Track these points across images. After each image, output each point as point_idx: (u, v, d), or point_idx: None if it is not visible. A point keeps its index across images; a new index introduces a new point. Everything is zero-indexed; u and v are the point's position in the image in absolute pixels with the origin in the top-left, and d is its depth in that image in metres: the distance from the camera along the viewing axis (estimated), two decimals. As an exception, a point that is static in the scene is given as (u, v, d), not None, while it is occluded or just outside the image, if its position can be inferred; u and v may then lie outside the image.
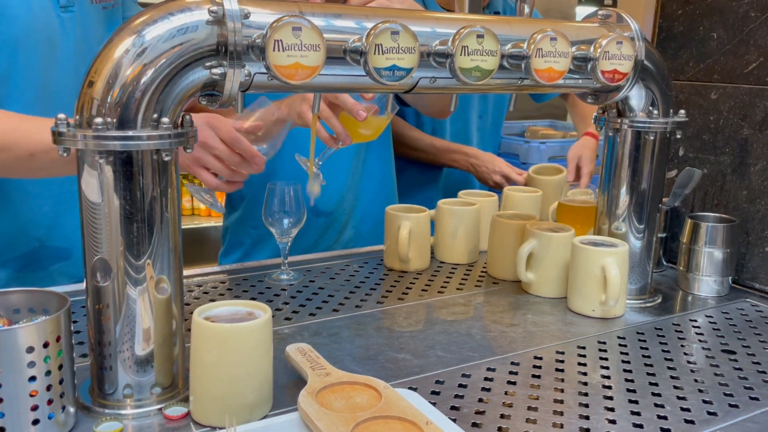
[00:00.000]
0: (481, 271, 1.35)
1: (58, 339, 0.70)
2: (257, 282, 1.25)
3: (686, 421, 0.80)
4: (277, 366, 0.87)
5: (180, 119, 0.78)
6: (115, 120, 0.72)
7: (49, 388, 0.69)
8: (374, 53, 0.82)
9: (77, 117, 0.74)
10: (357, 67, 0.84)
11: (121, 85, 0.72)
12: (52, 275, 1.25)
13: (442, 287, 1.25)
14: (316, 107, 1.06)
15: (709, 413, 0.83)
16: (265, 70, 0.78)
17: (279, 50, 0.76)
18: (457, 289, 1.25)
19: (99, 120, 0.71)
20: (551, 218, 1.46)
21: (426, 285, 1.26)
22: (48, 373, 0.69)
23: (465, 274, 1.33)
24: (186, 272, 1.27)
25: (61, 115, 0.73)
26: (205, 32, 0.75)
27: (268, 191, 1.21)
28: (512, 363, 0.94)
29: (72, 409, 0.74)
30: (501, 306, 1.17)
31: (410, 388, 0.82)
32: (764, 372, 0.94)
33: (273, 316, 1.06)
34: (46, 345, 0.69)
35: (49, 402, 0.70)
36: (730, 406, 0.85)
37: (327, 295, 1.20)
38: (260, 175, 1.22)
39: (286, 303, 1.15)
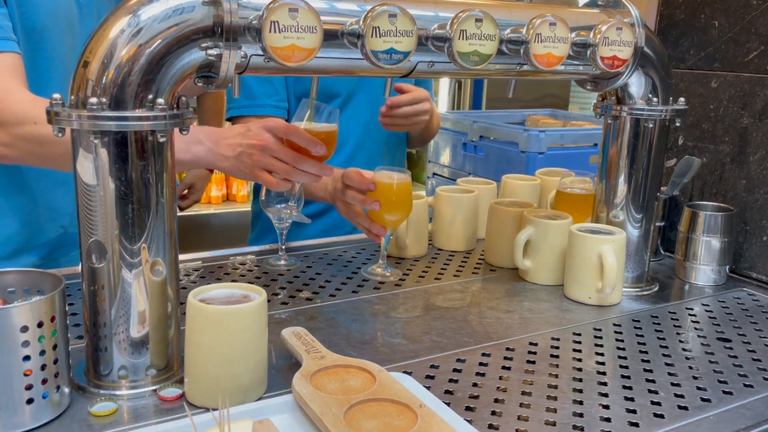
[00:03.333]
0: (479, 259, 1.35)
1: (52, 319, 0.70)
2: (254, 267, 1.25)
3: (680, 407, 0.81)
4: (274, 350, 0.87)
5: (176, 101, 0.78)
6: (109, 100, 0.71)
7: (43, 367, 0.70)
8: (372, 36, 0.82)
9: (72, 97, 0.73)
10: (354, 50, 0.83)
11: (116, 65, 0.71)
12: (75, 261, 1.26)
13: (439, 274, 1.25)
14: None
15: (703, 400, 0.83)
16: (261, 52, 0.77)
17: (275, 32, 0.76)
18: (454, 275, 1.25)
19: (94, 100, 0.71)
20: (549, 206, 1.46)
21: (423, 272, 1.26)
22: (42, 352, 0.69)
23: (462, 262, 1.33)
24: (183, 257, 1.27)
25: (56, 95, 0.73)
26: (201, 13, 0.75)
27: None
28: (507, 349, 0.95)
29: (66, 390, 0.74)
30: (497, 293, 1.17)
31: (405, 372, 0.82)
32: (759, 360, 0.95)
33: (269, 301, 1.07)
34: (40, 325, 0.69)
35: (44, 381, 0.70)
36: (724, 393, 0.85)
37: (324, 280, 1.20)
38: None
39: (283, 288, 1.15)
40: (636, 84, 1.13)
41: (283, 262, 1.26)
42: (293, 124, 1.12)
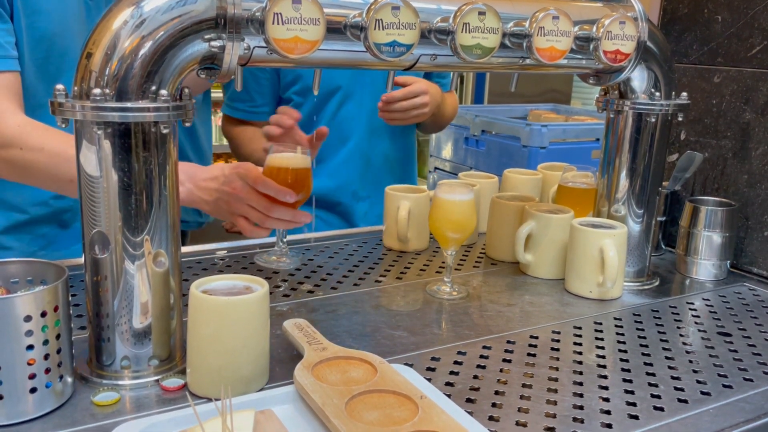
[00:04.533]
0: (480, 252, 1.35)
1: (55, 309, 0.70)
2: (256, 259, 1.26)
3: (679, 401, 0.81)
4: (275, 342, 0.88)
5: (179, 92, 0.78)
6: (113, 91, 0.72)
7: (46, 357, 0.70)
8: (374, 28, 0.82)
9: (75, 88, 0.73)
10: (357, 42, 0.83)
11: (120, 56, 0.72)
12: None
13: (440, 267, 1.25)
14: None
15: (703, 393, 0.83)
16: (264, 44, 0.77)
17: (278, 23, 0.76)
18: (456, 269, 1.25)
19: (97, 91, 0.71)
20: (551, 201, 1.46)
21: (424, 265, 1.27)
22: (46, 342, 0.70)
23: (464, 255, 1.33)
24: (185, 249, 1.28)
25: (60, 86, 0.73)
26: (204, 4, 0.75)
27: None
28: (508, 342, 0.95)
29: (70, 379, 0.74)
30: (499, 286, 1.17)
31: (406, 364, 0.83)
32: (759, 354, 0.95)
33: (271, 293, 1.08)
34: (43, 314, 0.69)
35: (47, 371, 0.70)
36: (724, 386, 0.85)
37: (326, 273, 1.20)
38: None
39: (285, 280, 1.16)
40: (638, 78, 1.13)
41: (286, 260, 1.25)
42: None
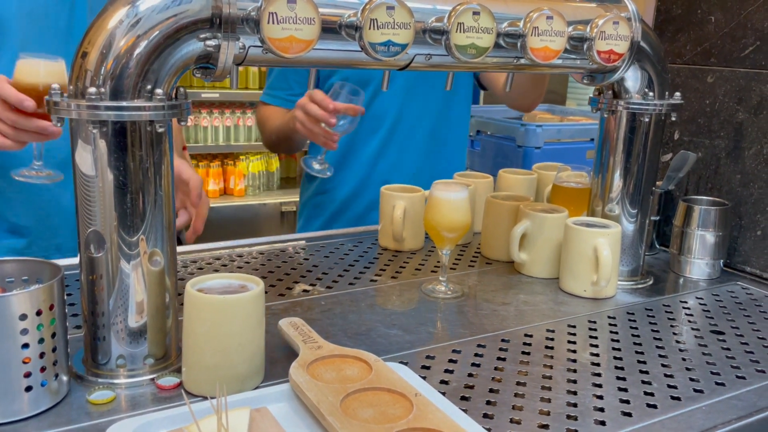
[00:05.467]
0: (475, 252, 1.36)
1: (51, 307, 0.71)
2: (252, 258, 1.26)
3: (672, 398, 0.81)
4: (270, 341, 0.88)
5: (174, 91, 0.78)
6: (108, 90, 0.72)
7: (42, 355, 0.70)
8: (369, 28, 0.82)
9: (71, 87, 0.74)
10: (352, 42, 0.84)
11: (115, 56, 0.72)
12: None
13: (435, 267, 1.26)
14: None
15: (696, 390, 0.84)
16: (259, 43, 0.78)
17: (273, 23, 0.76)
18: (451, 269, 1.26)
19: (92, 90, 0.71)
20: (546, 200, 1.47)
21: (420, 264, 1.27)
22: (41, 340, 0.70)
23: (459, 255, 1.34)
24: (181, 248, 1.28)
25: (55, 85, 0.73)
26: (199, 4, 0.75)
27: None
28: (503, 340, 0.95)
29: (65, 378, 0.75)
30: (493, 285, 1.18)
31: (401, 363, 0.83)
32: (752, 352, 0.95)
33: (267, 293, 1.08)
34: (39, 313, 0.69)
35: (42, 369, 0.70)
36: (717, 384, 0.86)
37: (321, 272, 1.20)
38: (336, 154, 1.53)
39: (280, 279, 1.16)
40: (632, 78, 1.13)
41: (318, 166, 1.37)
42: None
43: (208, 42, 0.76)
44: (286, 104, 1.60)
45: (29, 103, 0.99)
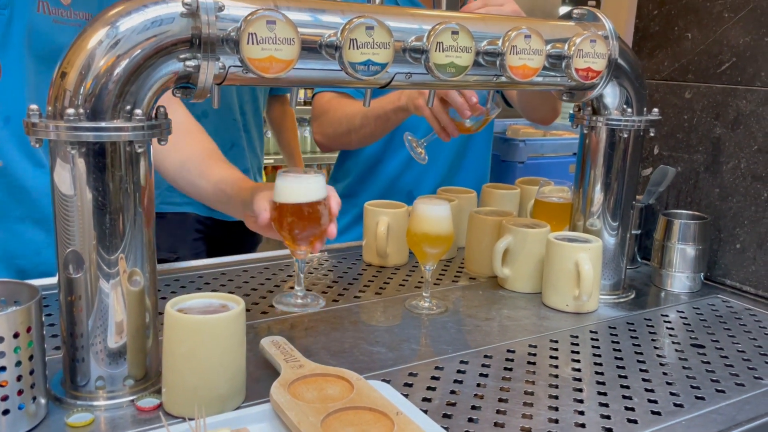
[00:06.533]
0: (459, 267, 1.36)
1: (28, 330, 0.70)
2: (235, 276, 1.25)
3: (653, 413, 0.82)
4: (253, 359, 0.87)
5: (154, 111, 0.78)
6: (87, 111, 0.72)
7: (19, 378, 0.69)
8: (349, 48, 0.83)
9: (50, 108, 0.73)
10: (332, 61, 0.84)
11: (94, 76, 0.72)
12: None
13: (419, 283, 1.26)
14: (430, 102, 1.15)
15: (676, 405, 0.84)
16: (239, 63, 0.78)
17: (253, 43, 0.76)
18: (435, 284, 1.26)
19: (71, 111, 0.71)
20: (529, 215, 1.48)
21: (403, 280, 1.27)
22: (18, 363, 0.69)
23: (443, 270, 1.34)
24: (164, 267, 1.27)
25: (33, 106, 0.73)
26: (179, 24, 0.75)
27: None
28: (485, 356, 0.96)
29: (43, 400, 0.74)
30: (477, 301, 1.18)
31: (383, 380, 0.83)
32: (731, 366, 0.96)
33: (249, 310, 1.07)
34: (16, 335, 0.68)
35: (20, 392, 0.70)
36: (697, 398, 0.86)
37: (305, 289, 1.20)
38: (368, 160, 1.60)
39: (263, 297, 1.15)
40: (611, 95, 1.15)
41: (419, 149, 1.37)
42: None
43: (188, 62, 0.76)
44: (354, 92, 1.55)
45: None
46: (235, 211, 1.08)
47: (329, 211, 1.01)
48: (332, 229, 1.01)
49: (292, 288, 1.18)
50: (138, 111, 0.74)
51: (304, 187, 1.00)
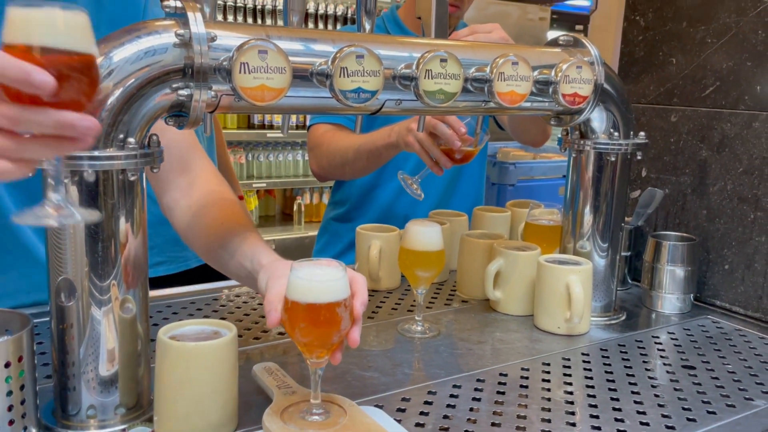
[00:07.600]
0: (451, 290, 1.37)
1: (20, 359, 0.70)
2: (228, 302, 1.25)
3: (645, 435, 0.82)
4: (245, 385, 0.87)
5: (147, 139, 0.79)
6: (81, 140, 0.72)
7: (10, 408, 0.69)
8: (339, 76, 0.84)
9: (43, 137, 0.74)
10: (323, 89, 0.86)
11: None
12: None
13: (411, 306, 1.26)
14: (420, 127, 1.14)
15: (668, 427, 0.85)
16: (231, 92, 0.79)
17: (245, 72, 0.78)
18: (428, 307, 1.26)
19: (65, 140, 0.71)
20: (520, 238, 1.49)
21: (396, 304, 1.28)
22: (9, 393, 0.69)
23: (435, 293, 1.35)
24: (155, 293, 1.27)
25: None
26: (172, 55, 0.76)
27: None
28: (478, 380, 0.96)
29: (34, 430, 0.73)
30: (469, 324, 1.19)
31: (376, 406, 0.83)
32: (722, 387, 0.97)
33: (241, 336, 1.07)
34: (7, 365, 0.68)
35: (11, 423, 0.69)
36: (688, 420, 0.87)
37: (297, 314, 1.20)
38: (364, 185, 1.61)
39: (256, 323, 1.15)
40: (598, 119, 1.17)
41: (414, 186, 1.39)
42: None
43: (181, 92, 0.77)
44: (347, 122, 1.57)
45: (43, 77, 0.56)
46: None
47: (351, 312, 0.76)
48: (354, 335, 0.76)
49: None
50: (131, 140, 0.75)
51: (324, 284, 0.75)
